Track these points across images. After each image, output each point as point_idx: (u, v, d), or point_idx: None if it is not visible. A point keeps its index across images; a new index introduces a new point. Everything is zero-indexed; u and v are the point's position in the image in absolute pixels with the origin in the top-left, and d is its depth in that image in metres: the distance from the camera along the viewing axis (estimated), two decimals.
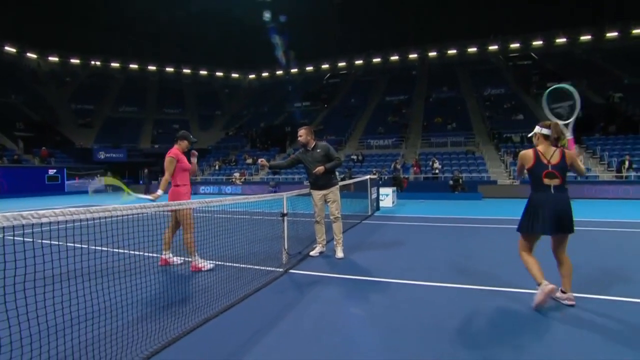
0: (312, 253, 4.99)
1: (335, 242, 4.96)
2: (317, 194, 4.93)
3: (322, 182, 4.88)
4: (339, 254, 4.84)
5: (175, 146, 4.52)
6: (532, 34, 38.88)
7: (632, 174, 15.52)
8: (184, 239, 4.13)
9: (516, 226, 3.19)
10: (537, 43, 39.01)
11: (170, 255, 4.39)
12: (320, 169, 4.69)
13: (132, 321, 2.60)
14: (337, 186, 5.04)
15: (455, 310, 3.02)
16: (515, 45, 39.72)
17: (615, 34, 36.48)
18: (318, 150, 4.85)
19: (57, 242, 2.10)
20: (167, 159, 4.35)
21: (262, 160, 4.91)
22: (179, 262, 4.38)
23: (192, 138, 4.61)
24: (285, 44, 37.03)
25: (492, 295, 3.36)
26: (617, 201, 13.18)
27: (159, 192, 4.21)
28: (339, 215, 4.95)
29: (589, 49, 36.82)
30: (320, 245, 5.06)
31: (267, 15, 35.68)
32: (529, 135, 3.18)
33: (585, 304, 3.04)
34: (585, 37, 37.59)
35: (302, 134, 4.88)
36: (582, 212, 9.99)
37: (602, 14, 36.19)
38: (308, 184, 5.06)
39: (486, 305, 3.10)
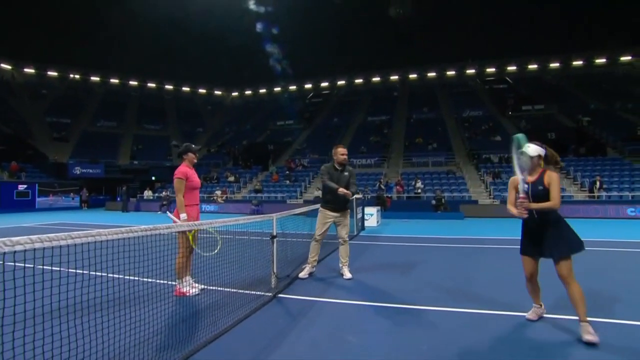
0: (301, 275, 4.85)
1: (341, 264, 5.00)
2: (329, 215, 4.88)
3: (340, 205, 4.86)
4: (347, 274, 4.86)
5: (183, 164, 4.27)
6: (506, 60, 40.94)
7: (604, 194, 16.19)
8: (177, 261, 3.89)
9: (516, 248, 3.21)
10: (511, 68, 41.08)
11: (185, 284, 3.97)
12: (348, 192, 4.67)
13: (112, 357, 2.37)
14: (349, 211, 5.14)
15: (451, 334, 2.93)
16: (491, 70, 41.64)
17: (581, 62, 38.91)
18: (346, 174, 4.90)
19: (31, 265, 1.91)
20: (176, 180, 4.09)
21: (342, 190, 4.64)
22: (196, 292, 3.98)
23: (194, 147, 4.44)
24: (272, 60, 37.46)
25: (487, 319, 3.30)
26: (586, 220, 13.62)
27: (183, 216, 3.98)
28: (347, 239, 4.99)
29: (558, 75, 39.03)
30: (310, 265, 4.95)
31: (252, 34, 36.10)
32: (534, 155, 2.98)
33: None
34: (554, 65, 39.89)
35: (345, 153, 4.91)
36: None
37: (568, 43, 38.57)
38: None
39: (485, 330, 3.03)
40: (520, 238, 3.14)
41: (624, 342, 2.75)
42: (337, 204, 4.83)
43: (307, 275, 4.86)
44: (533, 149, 3.01)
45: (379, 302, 3.82)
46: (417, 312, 3.54)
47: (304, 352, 2.66)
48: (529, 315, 3.21)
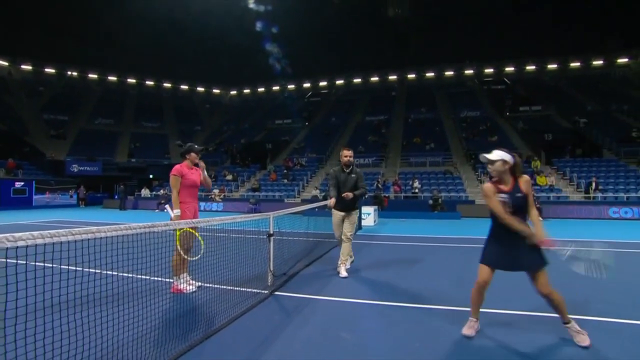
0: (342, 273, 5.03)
1: (339, 262, 5.05)
2: (338, 215, 5.13)
3: (346, 205, 5.04)
4: (343, 273, 4.94)
5: (184, 162, 4.38)
6: (505, 60, 41.05)
7: (599, 194, 16.32)
8: (173, 257, 3.94)
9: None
10: (510, 69, 41.17)
11: (182, 281, 4.05)
12: (349, 194, 4.88)
13: (109, 353, 2.42)
14: (357, 210, 5.44)
15: (444, 332, 2.99)
16: (489, 70, 41.73)
17: (578, 64, 39.09)
18: (353, 175, 5.08)
19: (33, 263, 1.95)
20: (171, 177, 4.21)
21: (332, 201, 4.98)
22: (193, 289, 4.07)
23: (197, 147, 4.51)
24: (271, 59, 37.43)
25: (480, 317, 3.36)
26: (582, 221, 13.73)
27: (176, 211, 4.08)
28: (350, 237, 5.13)
29: (556, 76, 39.17)
30: (349, 261, 5.35)
31: (251, 33, 36.09)
32: (493, 159, 2.78)
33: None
34: (552, 66, 40.04)
35: (350, 155, 5.07)
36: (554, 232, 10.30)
37: (566, 44, 38.74)
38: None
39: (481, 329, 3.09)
40: (484, 245, 2.89)
41: (616, 340, 2.82)
42: (342, 204, 5.03)
43: (349, 265, 5.22)
44: (495, 154, 2.81)
45: (374, 300, 3.88)
46: (411, 310, 3.60)
47: (299, 349, 2.72)
48: (466, 330, 2.92)
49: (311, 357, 2.58)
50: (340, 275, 4.92)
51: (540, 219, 2.90)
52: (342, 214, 5.11)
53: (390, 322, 3.28)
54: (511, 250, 2.74)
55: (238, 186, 23.17)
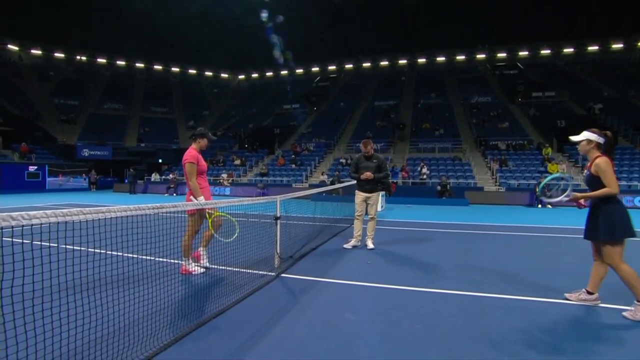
0: (346, 245, 5.73)
1: (367, 237, 5.78)
2: (361, 196, 5.75)
3: (368, 186, 5.68)
4: (370, 245, 5.69)
5: (193, 145, 4.24)
6: (518, 45, 39.94)
7: None
8: (183, 240, 3.97)
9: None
10: (523, 53, 40.09)
11: (193, 263, 4.11)
12: (368, 174, 5.54)
13: (121, 328, 2.51)
14: (379, 193, 5.92)
15: (448, 317, 3.03)
16: (502, 55, 40.69)
17: (596, 47, 37.81)
18: (374, 161, 5.75)
19: (47, 244, 2.02)
20: (188, 165, 4.04)
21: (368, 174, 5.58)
22: (201, 271, 4.13)
23: (212, 136, 4.49)
24: (277, 45, 36.99)
25: (478, 301, 3.39)
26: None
27: (200, 199, 4.00)
28: (375, 216, 5.84)
29: (571, 61, 38.05)
30: (355, 239, 5.78)
31: (259, 17, 35.60)
32: (578, 139, 3.14)
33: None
34: (568, 50, 38.84)
35: (368, 143, 5.86)
36: (557, 220, 10.19)
37: (582, 28, 37.46)
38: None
39: (476, 312, 3.13)
40: (617, 221, 2.97)
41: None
42: (364, 186, 5.70)
43: (351, 247, 5.69)
44: (581, 135, 3.12)
45: (378, 283, 3.93)
46: (414, 293, 3.64)
47: (303, 327, 2.79)
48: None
49: (315, 335, 2.65)
50: (368, 247, 5.61)
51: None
52: (365, 195, 5.68)
53: (393, 304, 3.33)
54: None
55: (246, 171, 23.30)
